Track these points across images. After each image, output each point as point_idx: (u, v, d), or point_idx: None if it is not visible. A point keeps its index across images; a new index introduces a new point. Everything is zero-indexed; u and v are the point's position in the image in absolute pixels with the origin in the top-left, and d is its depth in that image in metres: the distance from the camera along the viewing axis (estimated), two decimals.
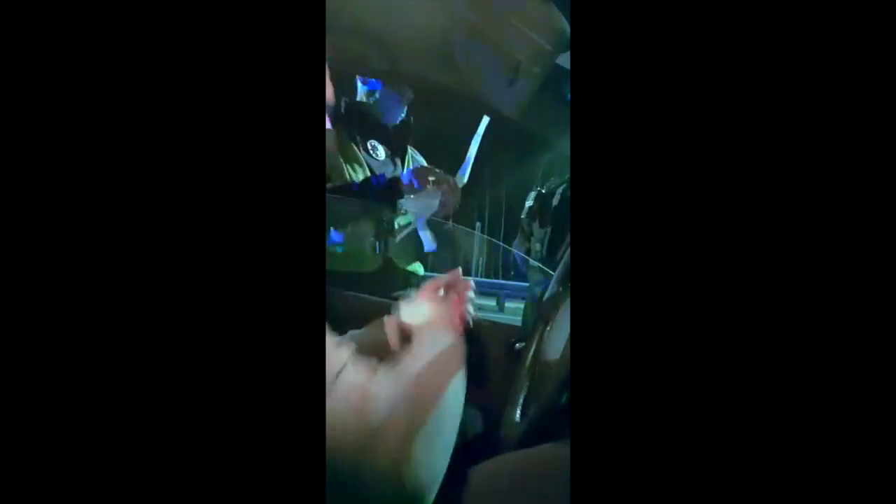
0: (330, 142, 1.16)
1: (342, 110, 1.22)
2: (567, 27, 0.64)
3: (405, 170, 1.28)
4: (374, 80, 1.20)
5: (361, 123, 1.22)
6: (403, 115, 1.27)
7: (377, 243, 1.18)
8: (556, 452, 0.44)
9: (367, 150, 1.22)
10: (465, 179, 1.18)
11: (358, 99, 1.24)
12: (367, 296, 1.10)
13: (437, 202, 1.12)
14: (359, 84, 1.23)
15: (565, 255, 1.01)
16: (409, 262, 1.27)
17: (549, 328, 0.77)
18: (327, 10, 0.36)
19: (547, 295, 0.95)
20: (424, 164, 1.35)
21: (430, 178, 1.12)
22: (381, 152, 1.25)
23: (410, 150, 1.33)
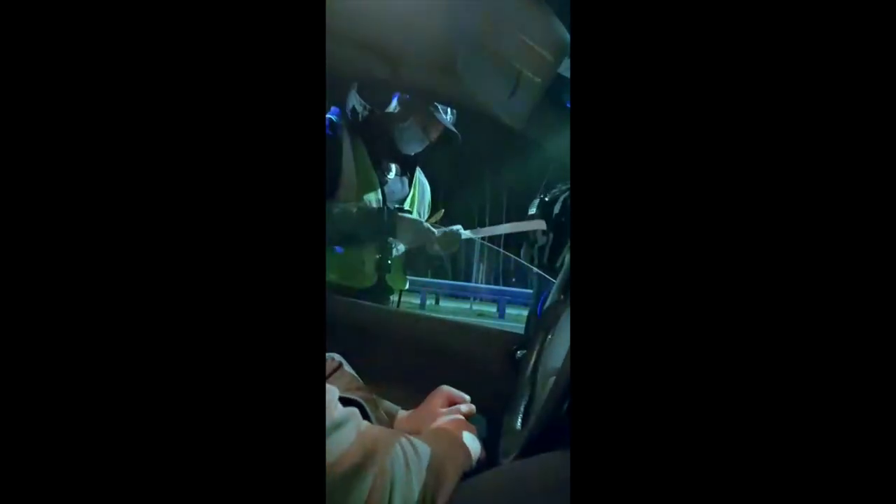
0: (346, 154, 1.15)
1: (360, 119, 1.19)
2: (568, 37, 0.64)
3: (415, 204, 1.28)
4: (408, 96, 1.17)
5: (380, 138, 1.19)
6: (420, 149, 1.25)
7: (375, 259, 1.18)
8: (556, 461, 0.44)
9: (380, 167, 1.21)
10: (467, 235, 1.21)
11: (389, 110, 1.19)
12: (366, 303, 1.10)
13: (426, 242, 1.15)
14: (395, 99, 1.19)
15: (566, 263, 1.01)
16: (401, 282, 1.28)
17: (550, 336, 0.77)
18: (327, 17, 0.36)
19: (548, 303, 0.95)
20: (427, 186, 1.35)
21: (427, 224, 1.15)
22: (392, 169, 1.24)
23: (418, 171, 1.32)
